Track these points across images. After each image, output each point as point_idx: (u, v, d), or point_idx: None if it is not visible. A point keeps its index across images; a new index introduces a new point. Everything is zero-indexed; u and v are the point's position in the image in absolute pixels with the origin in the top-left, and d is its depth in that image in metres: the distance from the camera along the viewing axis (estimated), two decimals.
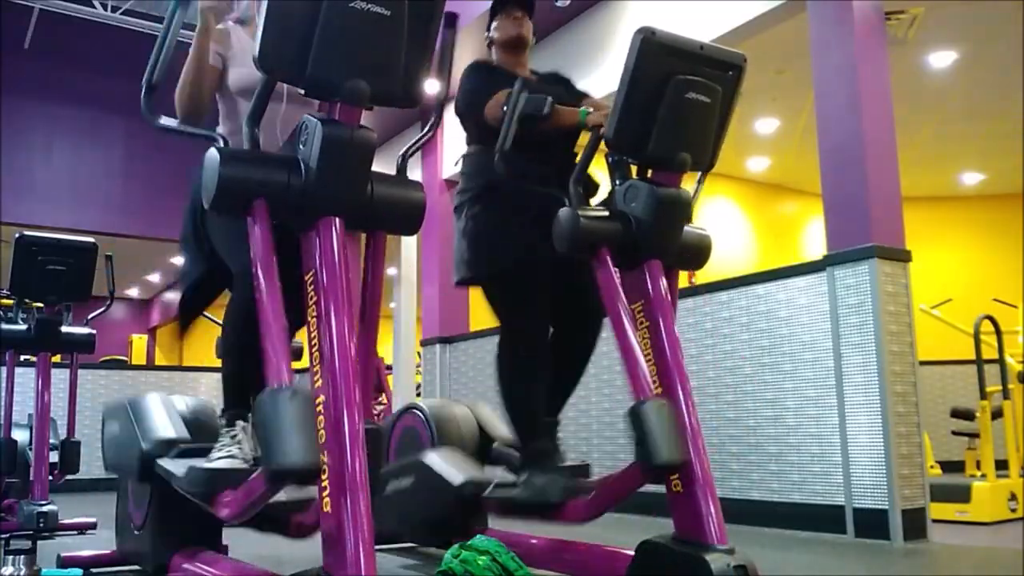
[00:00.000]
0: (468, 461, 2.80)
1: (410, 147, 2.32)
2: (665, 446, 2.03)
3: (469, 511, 2.83)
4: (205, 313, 2.84)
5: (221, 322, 2.43)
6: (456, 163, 3.01)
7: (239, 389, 2.26)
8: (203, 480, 2.16)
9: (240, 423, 2.26)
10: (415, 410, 3.19)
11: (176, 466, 2.33)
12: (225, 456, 2.20)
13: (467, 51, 6.29)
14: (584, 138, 2.57)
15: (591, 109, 2.63)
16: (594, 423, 5.00)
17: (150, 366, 12.62)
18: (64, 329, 4.46)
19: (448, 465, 2.75)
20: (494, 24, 3.02)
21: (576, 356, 2.89)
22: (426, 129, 2.38)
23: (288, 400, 1.62)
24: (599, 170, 2.60)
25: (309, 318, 1.81)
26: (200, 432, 2.62)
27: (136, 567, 2.89)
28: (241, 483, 1.93)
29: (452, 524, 2.86)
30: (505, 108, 2.47)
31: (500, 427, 3.06)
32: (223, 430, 2.29)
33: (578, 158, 2.51)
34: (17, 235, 4.27)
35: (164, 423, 2.58)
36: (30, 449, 4.51)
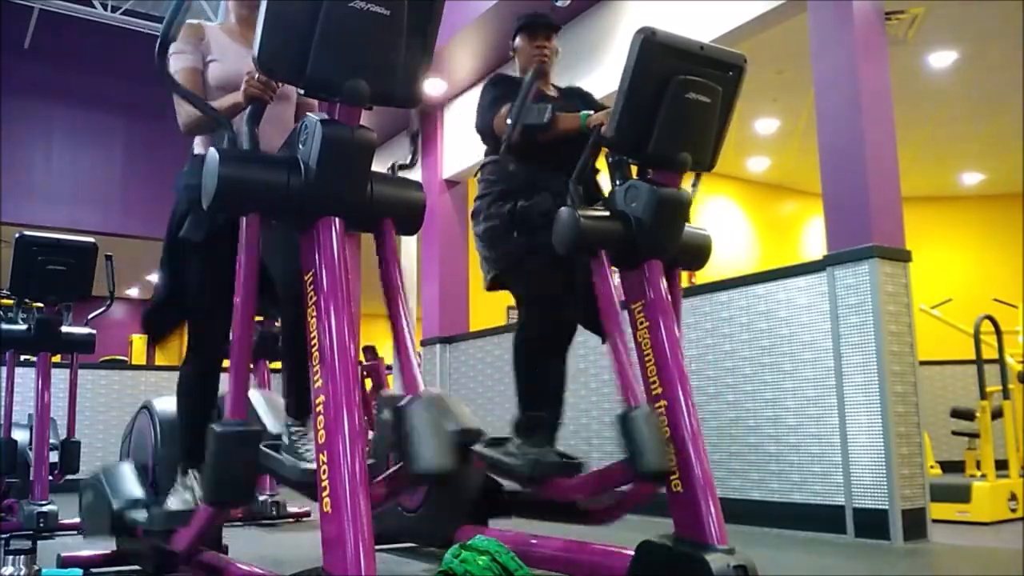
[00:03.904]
0: (465, 412, 2.80)
1: (396, 163, 2.34)
2: (653, 455, 2.10)
3: (460, 461, 2.85)
4: None
5: (179, 365, 2.57)
6: (476, 173, 3.16)
7: (193, 446, 2.38)
8: (162, 520, 2.43)
9: (192, 472, 2.46)
10: None
11: (139, 514, 2.60)
12: (179, 500, 2.44)
13: (467, 51, 6.29)
14: None
15: (591, 112, 2.66)
16: (594, 423, 5.00)
17: (150, 366, 12.56)
18: (64, 329, 4.46)
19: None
20: (518, 43, 3.10)
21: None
22: (409, 159, 2.39)
23: (235, 439, 1.88)
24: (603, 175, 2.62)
25: (309, 318, 1.82)
26: None
27: (136, 567, 2.89)
28: (191, 522, 2.28)
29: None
30: (509, 119, 2.57)
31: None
32: (179, 477, 2.51)
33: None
34: (17, 235, 4.27)
35: (132, 485, 2.80)
36: (30, 449, 4.51)
